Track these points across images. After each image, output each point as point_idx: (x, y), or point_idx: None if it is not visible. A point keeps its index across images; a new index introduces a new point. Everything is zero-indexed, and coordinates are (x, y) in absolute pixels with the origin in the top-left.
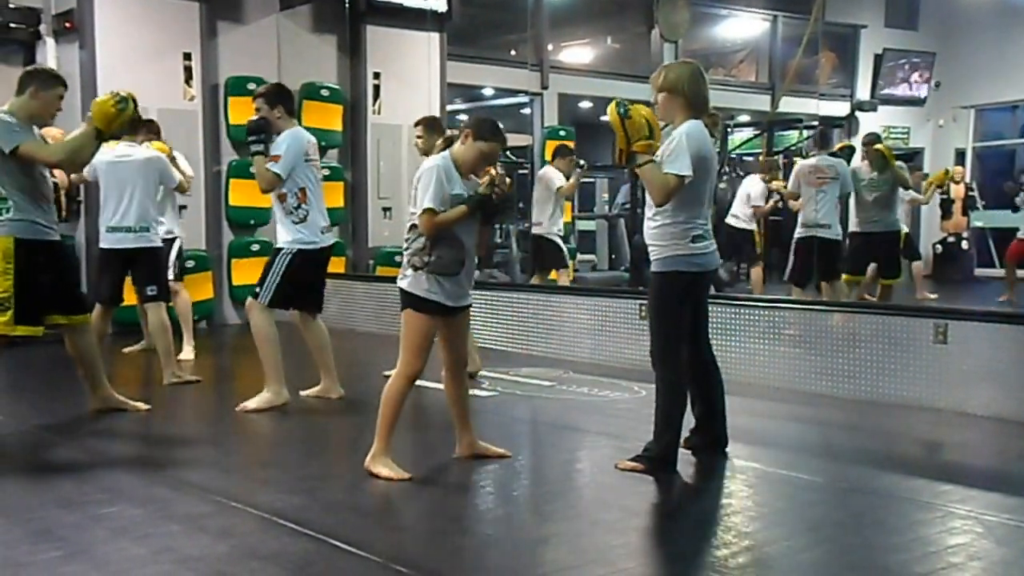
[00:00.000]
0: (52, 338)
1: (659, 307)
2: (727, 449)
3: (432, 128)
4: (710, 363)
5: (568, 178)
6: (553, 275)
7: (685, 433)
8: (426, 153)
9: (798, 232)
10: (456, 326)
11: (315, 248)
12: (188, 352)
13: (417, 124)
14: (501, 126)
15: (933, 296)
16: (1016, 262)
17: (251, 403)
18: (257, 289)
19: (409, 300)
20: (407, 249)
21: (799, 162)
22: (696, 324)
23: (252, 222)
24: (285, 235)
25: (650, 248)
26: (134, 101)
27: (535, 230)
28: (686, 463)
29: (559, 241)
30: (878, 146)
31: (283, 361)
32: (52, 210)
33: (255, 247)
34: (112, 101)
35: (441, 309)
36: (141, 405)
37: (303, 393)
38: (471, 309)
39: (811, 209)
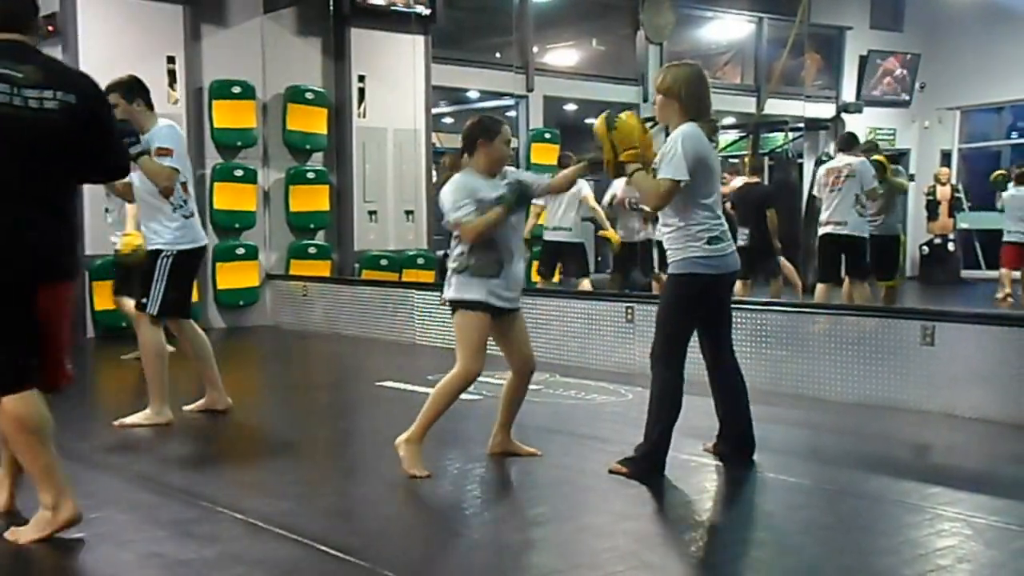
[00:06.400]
0: None
1: (668, 307)
2: (755, 457)
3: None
4: (733, 369)
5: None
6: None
7: (712, 441)
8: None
9: (819, 231)
10: (509, 328)
11: (196, 247)
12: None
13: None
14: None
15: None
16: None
17: (129, 419)
18: (144, 300)
19: (459, 304)
20: (450, 259)
21: (823, 166)
22: (718, 328)
23: (237, 225)
24: (164, 235)
25: (667, 251)
26: None
27: (557, 236)
28: (674, 466)
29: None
30: (877, 157)
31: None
32: None
33: (240, 251)
34: None
35: (489, 308)
36: None
37: (186, 408)
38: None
39: (826, 208)
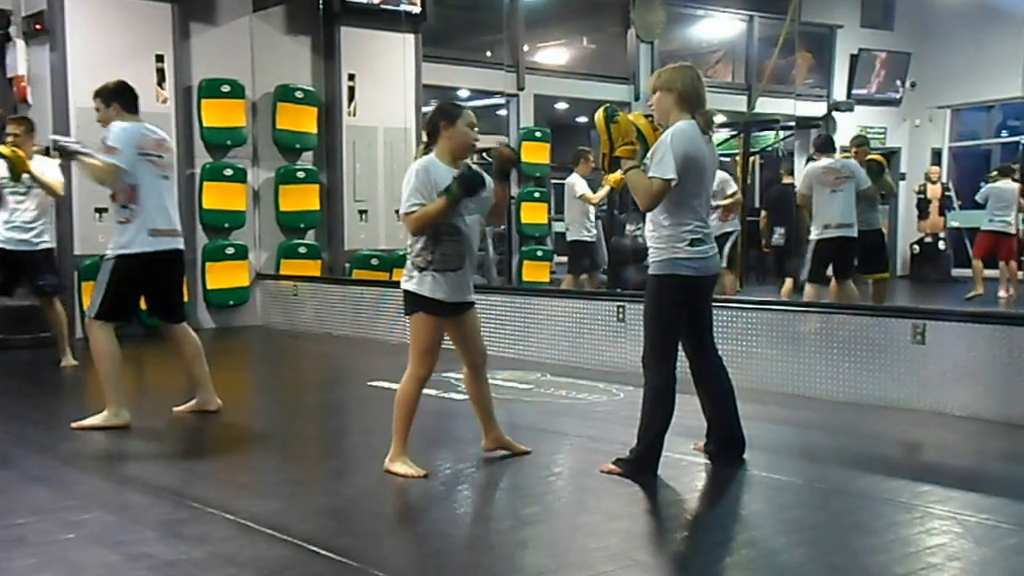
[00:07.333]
0: (27, 344)
1: (653, 311)
2: (745, 455)
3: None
4: (718, 368)
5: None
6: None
7: (702, 440)
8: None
9: (817, 233)
10: (465, 324)
11: (137, 254)
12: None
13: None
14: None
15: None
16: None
17: (87, 421)
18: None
19: (415, 302)
20: (410, 251)
21: (809, 165)
22: (699, 329)
23: (226, 225)
24: (113, 238)
25: (650, 251)
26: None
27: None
28: (665, 465)
29: (589, 243)
30: (874, 156)
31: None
32: None
33: (229, 250)
34: None
35: (444, 308)
36: None
37: (176, 409)
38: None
39: (830, 210)
